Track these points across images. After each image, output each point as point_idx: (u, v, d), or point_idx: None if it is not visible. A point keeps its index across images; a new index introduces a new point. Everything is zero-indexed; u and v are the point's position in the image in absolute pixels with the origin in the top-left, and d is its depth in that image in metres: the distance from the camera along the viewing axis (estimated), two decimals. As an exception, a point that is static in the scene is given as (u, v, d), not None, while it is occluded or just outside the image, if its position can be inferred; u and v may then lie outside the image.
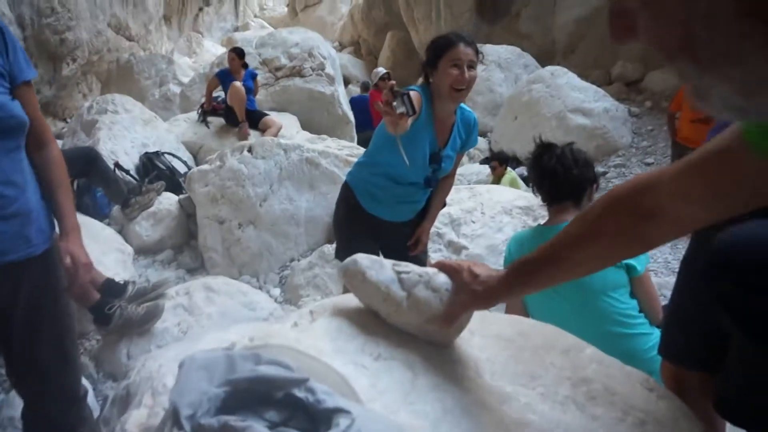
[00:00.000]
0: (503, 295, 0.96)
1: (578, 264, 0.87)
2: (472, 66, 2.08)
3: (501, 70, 9.31)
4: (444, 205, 2.53)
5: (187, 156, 5.41)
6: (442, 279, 1.02)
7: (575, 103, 7.31)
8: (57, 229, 1.45)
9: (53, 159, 1.44)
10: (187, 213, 4.28)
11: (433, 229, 2.69)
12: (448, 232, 3.36)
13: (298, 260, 3.87)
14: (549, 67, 8.11)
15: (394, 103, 1.70)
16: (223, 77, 5.65)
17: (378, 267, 1.10)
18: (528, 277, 0.91)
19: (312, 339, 1.12)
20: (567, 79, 7.64)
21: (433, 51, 2.12)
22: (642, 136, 7.57)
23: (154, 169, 4.74)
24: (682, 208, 0.73)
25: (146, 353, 2.69)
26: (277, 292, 3.64)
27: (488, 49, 9.63)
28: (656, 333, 1.75)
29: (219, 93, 5.92)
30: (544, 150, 1.93)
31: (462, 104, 2.25)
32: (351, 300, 1.30)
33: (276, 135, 5.31)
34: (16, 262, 1.33)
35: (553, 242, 0.87)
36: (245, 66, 5.94)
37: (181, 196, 4.37)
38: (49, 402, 1.41)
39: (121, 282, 2.79)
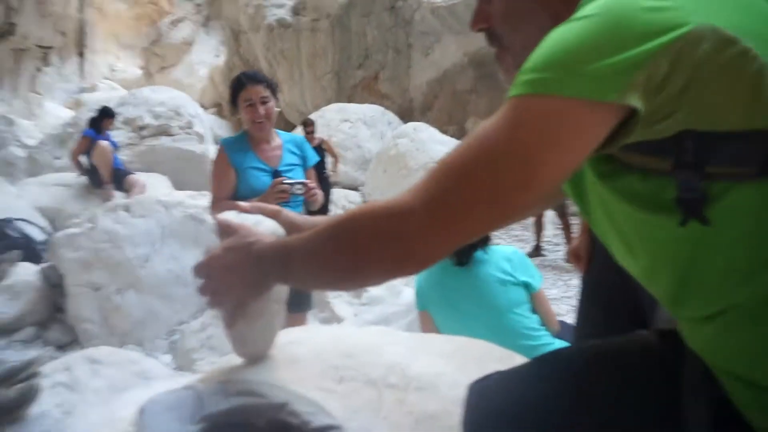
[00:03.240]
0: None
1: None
2: (265, 101, 2.28)
3: (367, 127, 9.79)
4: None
5: (43, 223, 4.89)
6: None
7: (439, 155, 7.88)
8: None
9: None
10: (52, 283, 3.83)
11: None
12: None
13: (189, 323, 3.63)
14: (411, 123, 8.72)
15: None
16: (94, 137, 5.25)
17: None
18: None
19: (268, 371, 1.10)
20: (429, 134, 8.25)
21: (230, 93, 2.38)
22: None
23: (5, 239, 4.24)
24: None
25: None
26: (167, 359, 3.37)
27: (354, 108, 10.12)
28: (556, 342, 1.96)
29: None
30: None
31: (284, 132, 2.52)
32: (296, 332, 1.30)
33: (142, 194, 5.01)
34: None
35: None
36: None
37: (44, 265, 3.92)
38: None
39: (-17, 364, 2.41)
